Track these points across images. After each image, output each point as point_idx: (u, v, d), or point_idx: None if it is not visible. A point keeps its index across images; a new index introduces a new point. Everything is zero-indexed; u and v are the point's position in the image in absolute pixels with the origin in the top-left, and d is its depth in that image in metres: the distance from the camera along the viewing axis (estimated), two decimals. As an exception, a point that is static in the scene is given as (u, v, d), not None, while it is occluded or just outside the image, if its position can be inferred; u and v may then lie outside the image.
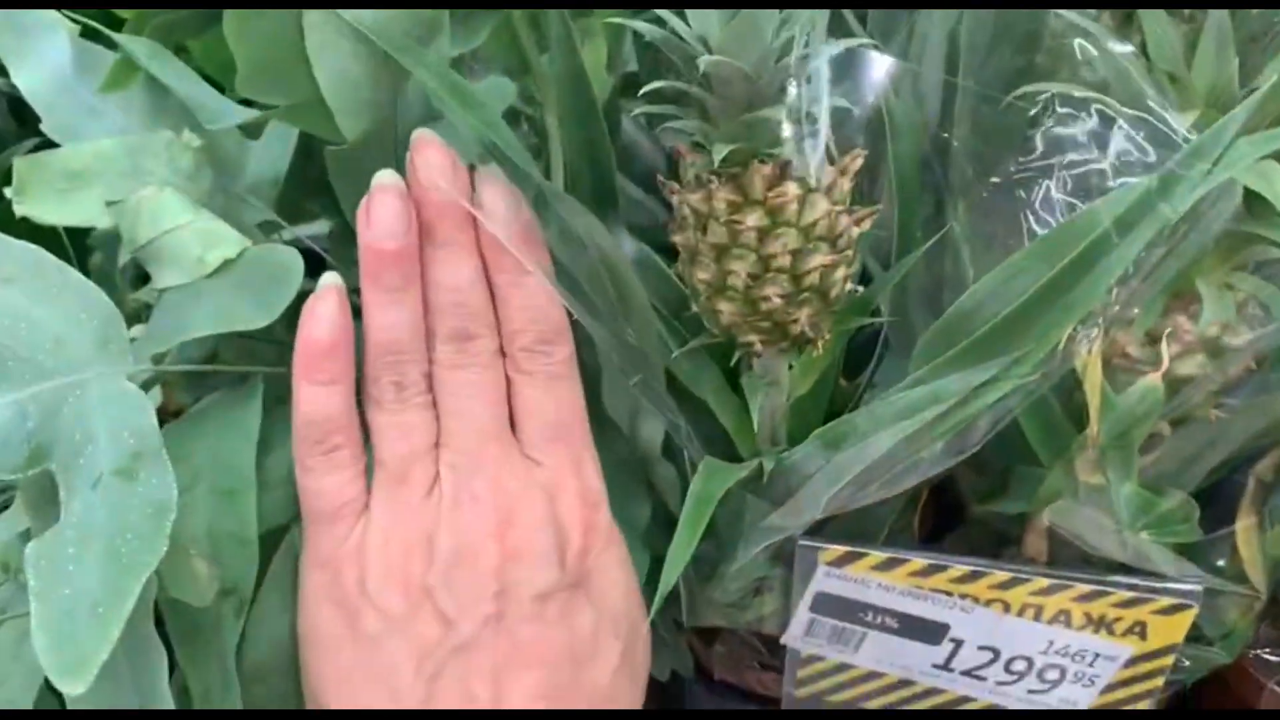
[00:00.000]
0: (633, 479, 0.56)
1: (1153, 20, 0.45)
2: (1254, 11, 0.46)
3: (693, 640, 0.61)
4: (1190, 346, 0.47)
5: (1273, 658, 0.59)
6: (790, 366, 0.49)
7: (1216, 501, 0.53)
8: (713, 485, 0.42)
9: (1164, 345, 0.41)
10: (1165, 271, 0.39)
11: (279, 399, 0.49)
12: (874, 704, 0.56)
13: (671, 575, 0.39)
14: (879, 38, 0.51)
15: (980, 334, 0.40)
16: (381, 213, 0.42)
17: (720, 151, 0.39)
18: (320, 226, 0.57)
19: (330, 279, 0.43)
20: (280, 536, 0.47)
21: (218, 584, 0.39)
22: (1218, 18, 0.44)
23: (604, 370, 0.51)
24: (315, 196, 0.54)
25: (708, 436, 0.51)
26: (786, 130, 0.39)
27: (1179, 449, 0.52)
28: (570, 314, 0.45)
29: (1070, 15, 0.44)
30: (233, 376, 0.48)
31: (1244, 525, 0.51)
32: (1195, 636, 0.54)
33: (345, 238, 0.52)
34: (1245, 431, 0.51)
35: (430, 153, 0.42)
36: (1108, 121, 0.41)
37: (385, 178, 0.42)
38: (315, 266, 0.47)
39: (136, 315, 0.53)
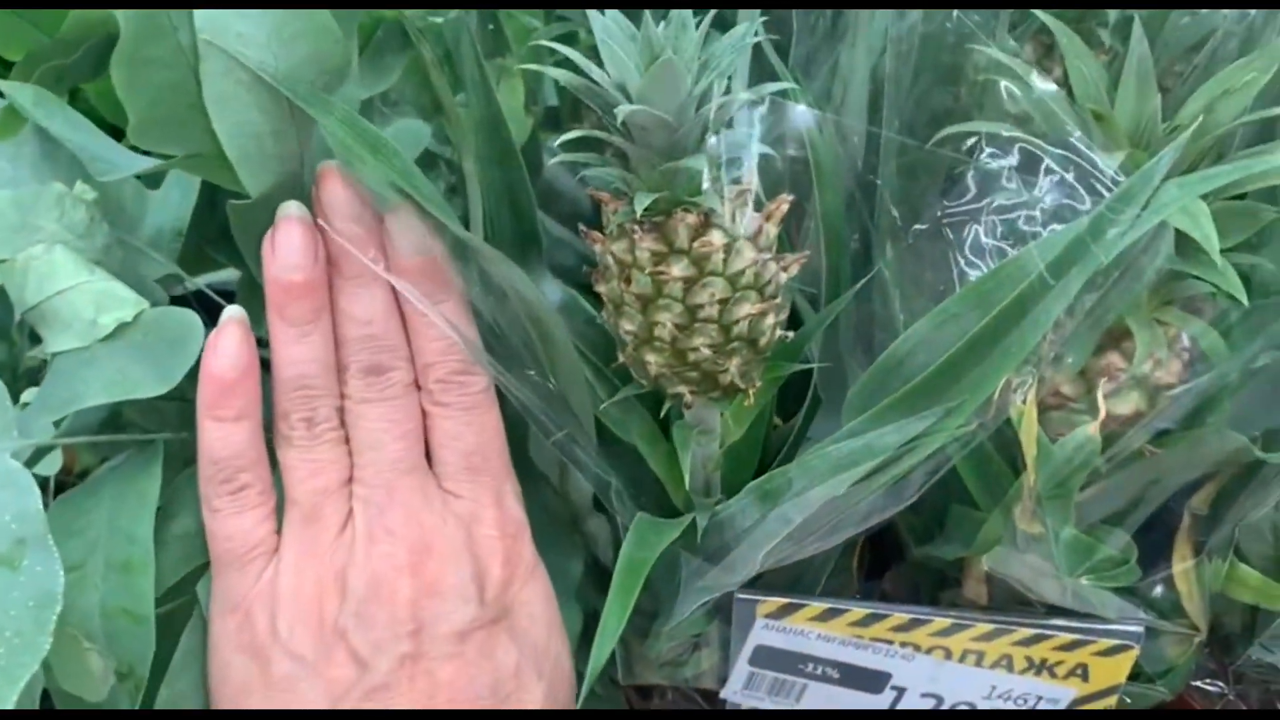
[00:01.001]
0: (563, 532, 0.54)
1: (1074, 55, 0.44)
2: (1173, 37, 0.46)
3: (629, 695, 0.59)
4: (1124, 385, 0.47)
5: (1212, 688, 0.59)
6: (722, 414, 0.48)
7: (1153, 534, 0.52)
8: (645, 550, 0.41)
9: (1100, 396, 0.40)
10: (1100, 315, 0.39)
11: (186, 462, 0.47)
12: (817, 755, 0.55)
13: (605, 646, 0.37)
14: (802, 77, 0.50)
15: (914, 384, 0.39)
16: (286, 245, 0.41)
17: (642, 201, 0.38)
18: (229, 274, 0.55)
19: (232, 311, 0.42)
20: (189, 609, 0.44)
21: (113, 678, 0.36)
22: (1139, 52, 0.44)
23: (531, 427, 0.50)
24: (221, 244, 0.52)
25: (639, 486, 0.50)
26: (708, 180, 0.38)
27: (1116, 487, 0.51)
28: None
29: (993, 51, 0.44)
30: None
31: (1181, 561, 0.51)
32: (1135, 674, 0.53)
33: (254, 287, 0.49)
34: (1180, 466, 0.50)
35: (335, 185, 0.41)
36: (1034, 161, 0.40)
37: (290, 209, 0.41)
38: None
39: (36, 373, 0.50)
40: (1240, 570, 0.52)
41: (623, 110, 0.36)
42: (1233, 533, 0.50)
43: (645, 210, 0.39)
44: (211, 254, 0.52)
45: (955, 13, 0.45)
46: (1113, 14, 0.50)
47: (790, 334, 0.45)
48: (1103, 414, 0.40)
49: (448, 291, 0.43)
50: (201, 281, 0.51)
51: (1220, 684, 0.59)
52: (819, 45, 0.51)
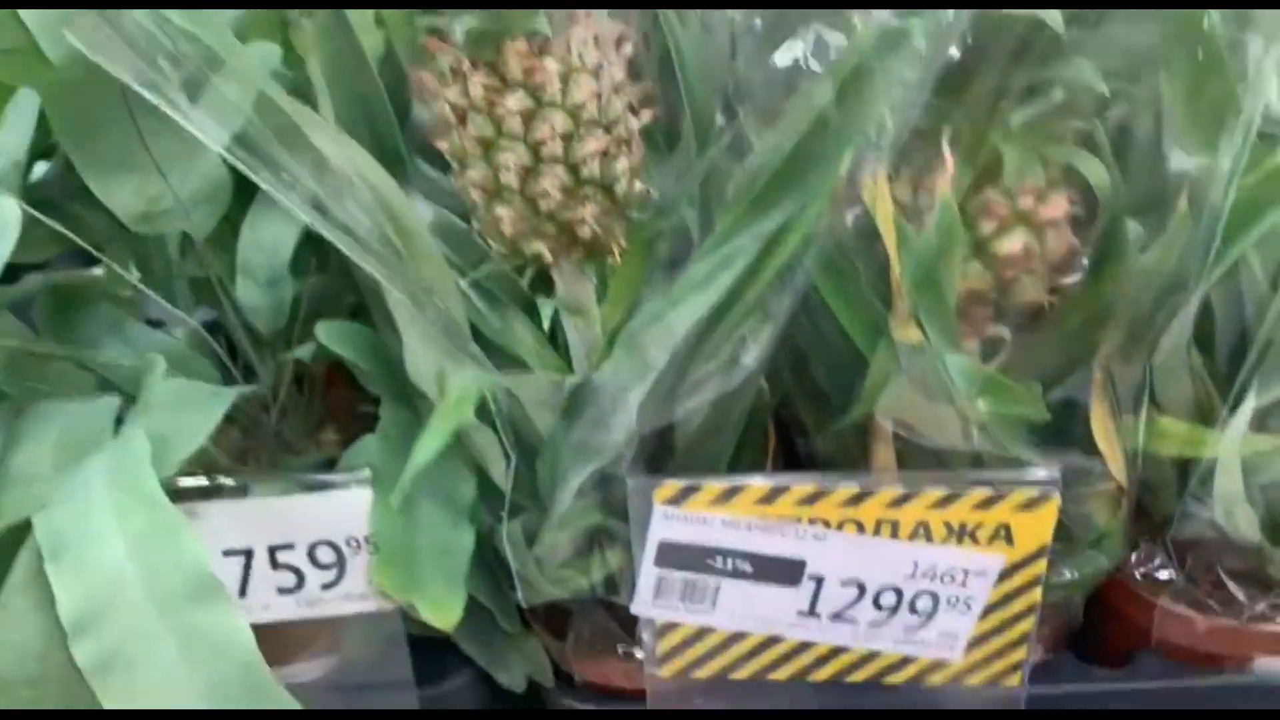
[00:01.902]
0: (452, 454, 0.51)
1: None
2: None
3: (546, 641, 0.55)
4: (1006, 221, 0.45)
5: (1161, 575, 0.55)
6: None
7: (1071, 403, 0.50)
8: (464, 404, 0.38)
9: (945, 148, 0.38)
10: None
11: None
12: (743, 672, 0.51)
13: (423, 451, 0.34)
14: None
15: (764, 181, 0.37)
16: None
17: (466, 23, 0.36)
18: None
19: None
20: (22, 536, 0.41)
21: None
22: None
23: (404, 340, 0.47)
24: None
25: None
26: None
27: (1023, 351, 0.49)
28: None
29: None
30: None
31: (1097, 414, 0.48)
32: (1068, 543, 0.50)
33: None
34: (1083, 322, 0.48)
35: None
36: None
37: None
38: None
39: None
40: (1161, 423, 0.49)
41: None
42: (1144, 378, 0.48)
43: (476, 43, 0.37)
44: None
45: None
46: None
47: (651, 189, 0.43)
48: (950, 168, 0.38)
49: None
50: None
51: (1169, 569, 0.55)
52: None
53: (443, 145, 0.41)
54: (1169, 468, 0.50)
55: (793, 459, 0.53)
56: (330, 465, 0.56)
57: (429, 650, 0.56)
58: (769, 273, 0.37)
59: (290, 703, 0.38)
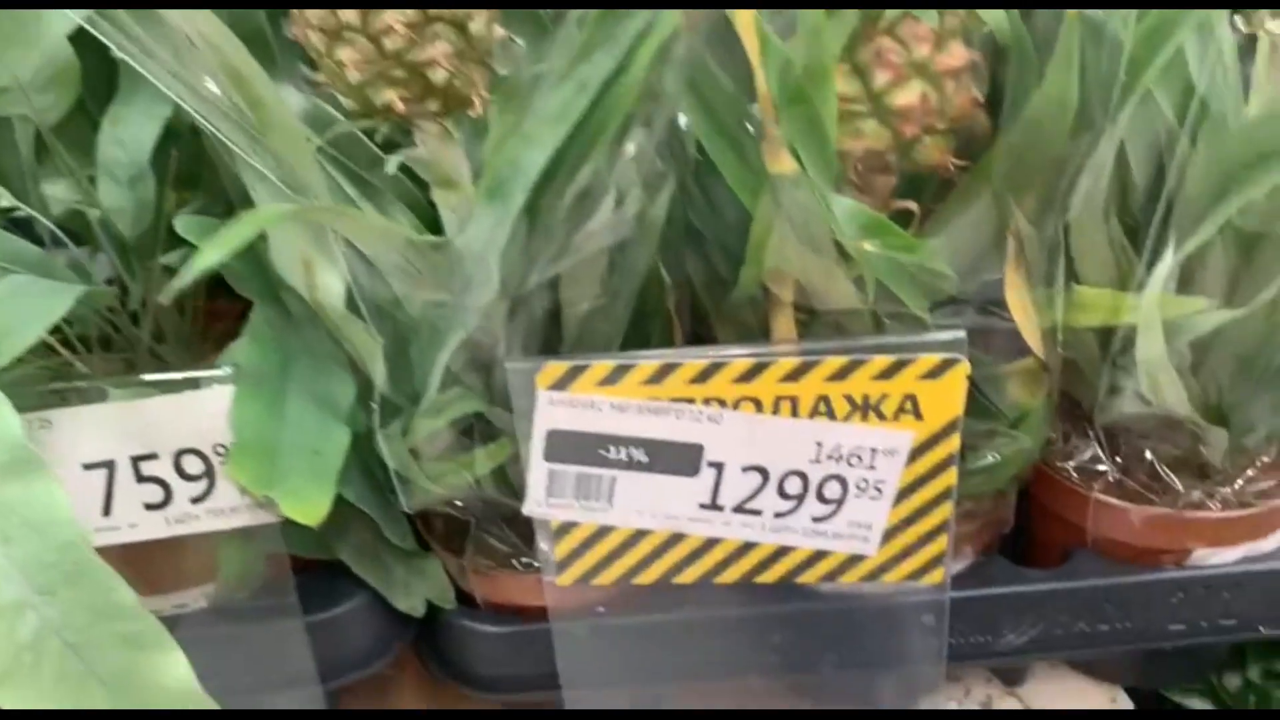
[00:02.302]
0: (327, 355, 0.47)
1: None
2: None
3: (445, 561, 0.52)
4: (901, 72, 0.42)
5: (1094, 467, 0.52)
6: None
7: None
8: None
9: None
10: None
11: None
12: (647, 575, 0.47)
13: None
14: None
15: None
16: None
17: None
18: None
19: None
20: None
21: None
22: None
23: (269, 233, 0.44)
24: None
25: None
26: None
27: (933, 223, 0.46)
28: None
29: None
30: None
31: (1012, 285, 0.45)
32: (988, 423, 0.47)
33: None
34: (993, 186, 0.45)
35: None
36: None
37: None
38: None
39: None
40: (1080, 293, 0.46)
41: None
42: (1060, 244, 0.45)
43: None
44: None
45: None
46: None
47: (517, 39, 0.40)
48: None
49: None
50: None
51: (1101, 461, 0.53)
52: None
53: (279, -13, 0.38)
54: (1093, 343, 0.48)
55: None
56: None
57: (319, 574, 0.52)
58: (627, 94, 0.34)
59: (118, 584, 0.35)
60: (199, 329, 0.56)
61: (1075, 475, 0.53)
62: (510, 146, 0.36)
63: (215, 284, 0.55)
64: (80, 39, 0.47)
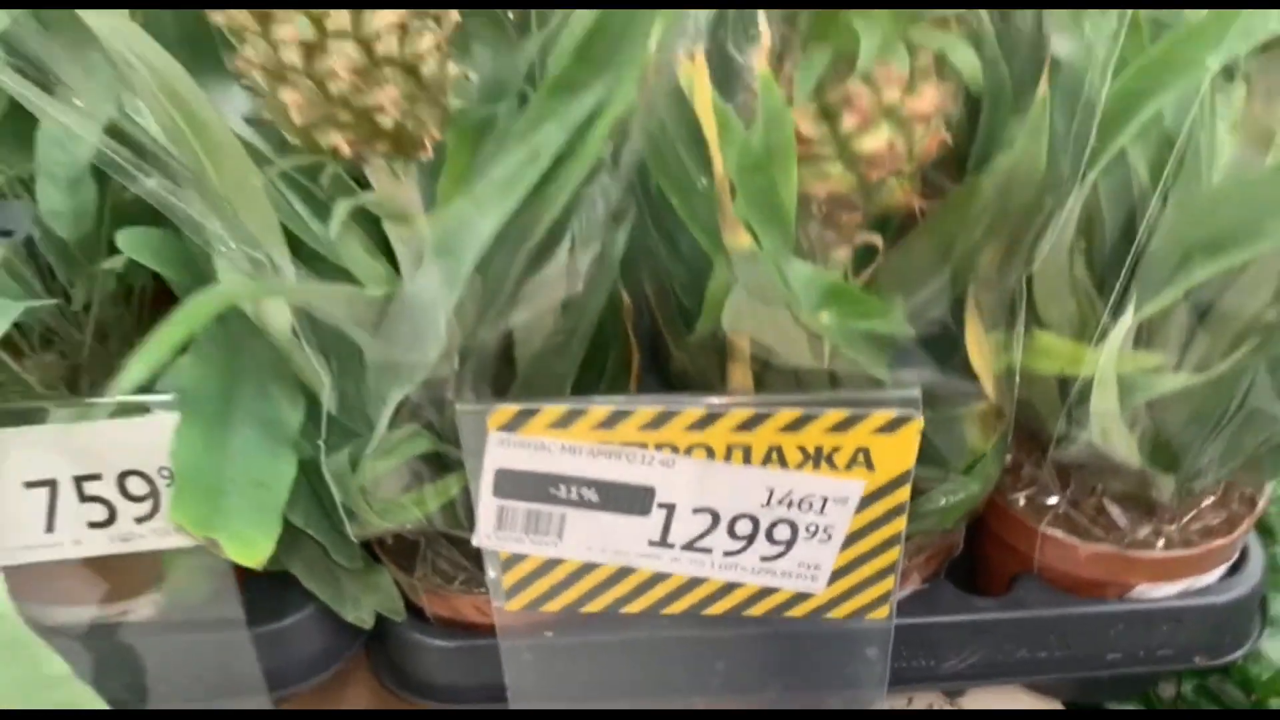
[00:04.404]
0: (274, 373, 0.46)
1: None
2: None
3: (396, 575, 0.52)
4: (869, 117, 0.40)
5: (1042, 500, 0.53)
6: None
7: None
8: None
9: (760, 17, 0.34)
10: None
11: None
12: (595, 605, 0.47)
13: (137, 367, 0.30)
14: None
15: (564, 65, 0.32)
16: None
17: None
18: None
19: None
20: None
21: None
22: None
23: (214, 256, 0.42)
24: None
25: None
26: None
27: (897, 259, 0.46)
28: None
29: None
30: None
31: (972, 329, 0.45)
32: (940, 468, 0.47)
33: None
34: (958, 228, 0.45)
35: None
36: None
37: None
38: None
39: None
40: (1040, 339, 0.46)
41: None
42: (1023, 289, 0.44)
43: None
44: None
45: None
46: None
47: (470, 73, 0.38)
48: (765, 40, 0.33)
49: None
50: None
51: (1051, 494, 0.53)
52: None
53: (216, 18, 0.36)
54: (1051, 386, 0.47)
55: (663, 373, 0.49)
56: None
57: (266, 586, 0.52)
58: (579, 167, 0.32)
59: (55, 663, 0.34)
60: (143, 327, 0.54)
61: (1025, 506, 0.53)
62: (460, 207, 0.34)
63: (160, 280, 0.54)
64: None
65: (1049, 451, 0.49)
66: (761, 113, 0.33)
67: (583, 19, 0.32)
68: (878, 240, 0.45)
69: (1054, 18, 0.40)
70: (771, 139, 0.33)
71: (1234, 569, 0.55)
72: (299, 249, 0.42)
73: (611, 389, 0.50)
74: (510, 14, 0.44)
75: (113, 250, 0.50)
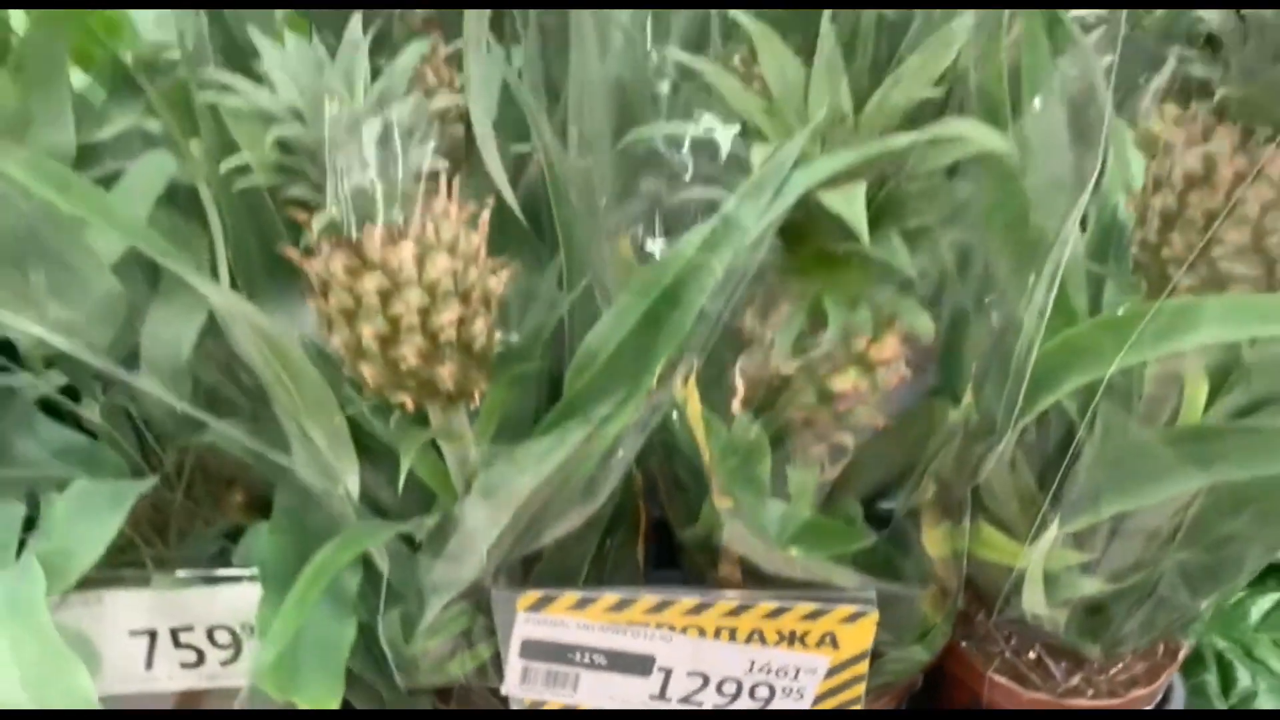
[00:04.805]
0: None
1: (770, 54, 0.47)
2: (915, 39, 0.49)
3: (434, 703, 0.61)
4: (839, 362, 0.49)
5: (988, 648, 0.61)
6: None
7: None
8: (345, 552, 0.42)
9: (738, 383, 0.43)
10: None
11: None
12: (604, 740, 0.56)
13: (272, 645, 0.38)
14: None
15: (592, 373, 0.41)
16: None
17: (320, 220, 0.40)
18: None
19: None
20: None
21: None
22: (827, 50, 0.46)
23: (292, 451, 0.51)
24: None
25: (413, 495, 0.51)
26: (380, 196, 0.40)
27: (866, 453, 0.54)
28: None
29: (680, 55, 0.46)
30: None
31: (928, 521, 0.53)
32: (896, 634, 0.56)
33: None
34: (917, 438, 0.53)
35: None
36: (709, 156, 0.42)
37: None
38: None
39: None
40: (985, 532, 0.54)
41: (275, 131, 0.38)
42: (965, 495, 0.53)
43: (334, 228, 0.40)
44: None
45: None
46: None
47: (513, 335, 0.47)
48: (740, 393, 0.42)
49: None
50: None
51: (996, 642, 0.61)
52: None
53: (312, 304, 0.44)
54: (996, 570, 0.56)
55: (668, 533, 0.58)
56: (237, 535, 0.60)
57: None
58: (596, 455, 0.41)
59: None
60: (225, 484, 0.63)
61: (976, 652, 0.61)
62: (501, 464, 0.43)
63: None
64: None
65: (994, 614, 0.58)
66: (740, 423, 0.41)
67: (608, 336, 0.40)
68: (849, 442, 0.53)
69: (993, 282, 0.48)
70: (751, 441, 0.41)
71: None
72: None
73: (622, 548, 0.59)
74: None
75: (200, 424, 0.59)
